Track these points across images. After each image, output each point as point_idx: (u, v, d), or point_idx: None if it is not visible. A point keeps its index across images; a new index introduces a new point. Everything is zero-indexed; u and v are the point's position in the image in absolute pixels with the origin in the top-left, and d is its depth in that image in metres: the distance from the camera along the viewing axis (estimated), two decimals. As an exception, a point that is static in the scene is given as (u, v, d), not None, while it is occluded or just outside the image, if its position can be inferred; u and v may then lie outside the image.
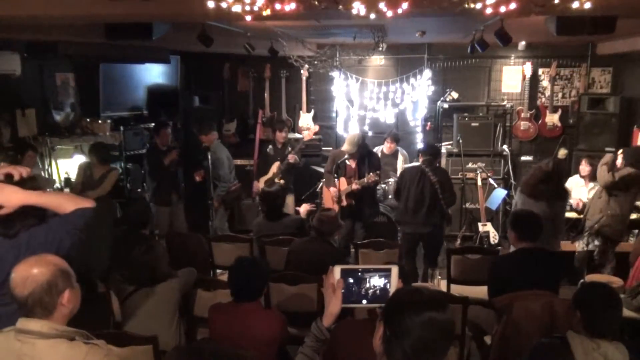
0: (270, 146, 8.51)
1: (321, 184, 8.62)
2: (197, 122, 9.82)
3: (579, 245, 6.92)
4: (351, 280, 2.55)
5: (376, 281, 2.55)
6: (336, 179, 7.50)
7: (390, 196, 8.80)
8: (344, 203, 7.42)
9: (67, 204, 3.28)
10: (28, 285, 2.67)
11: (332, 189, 7.63)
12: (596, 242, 6.81)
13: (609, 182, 6.64)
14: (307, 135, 8.46)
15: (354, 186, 7.35)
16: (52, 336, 2.69)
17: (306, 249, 5.58)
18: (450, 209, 7.28)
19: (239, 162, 9.42)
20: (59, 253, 2.99)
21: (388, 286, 2.55)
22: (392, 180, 8.83)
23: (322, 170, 8.62)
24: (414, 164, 7.65)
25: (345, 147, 7.42)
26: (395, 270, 2.57)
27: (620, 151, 7.07)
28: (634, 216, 7.54)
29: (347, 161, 7.48)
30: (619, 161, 6.90)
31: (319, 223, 5.65)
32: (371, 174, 7.30)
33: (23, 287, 2.68)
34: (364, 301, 2.58)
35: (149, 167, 8.20)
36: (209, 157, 7.87)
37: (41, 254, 2.84)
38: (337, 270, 2.54)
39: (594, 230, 6.77)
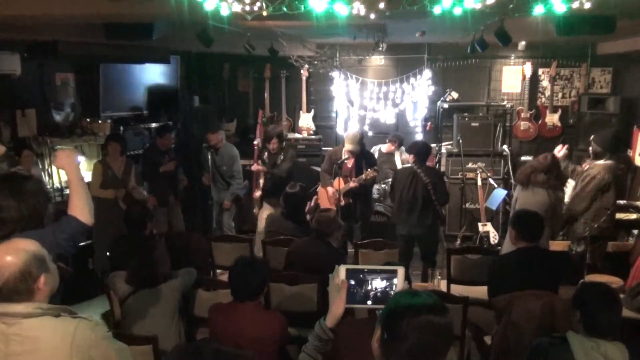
0: (266, 153, 8.39)
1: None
2: (202, 122, 9.84)
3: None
4: (356, 281, 2.53)
5: (382, 282, 2.54)
6: (334, 179, 7.48)
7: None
8: (342, 202, 7.41)
9: (77, 203, 3.39)
10: (1, 275, 2.65)
11: (329, 189, 7.62)
12: (582, 246, 6.75)
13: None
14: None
15: (352, 184, 7.35)
16: (38, 315, 2.70)
17: (305, 250, 5.57)
18: (449, 208, 7.27)
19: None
20: None
21: (394, 287, 2.54)
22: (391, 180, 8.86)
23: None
24: (407, 164, 7.63)
25: (349, 146, 7.37)
26: (401, 271, 2.55)
27: (592, 137, 6.96)
28: (633, 216, 7.54)
29: (345, 161, 7.46)
30: (590, 148, 6.83)
31: (318, 224, 5.65)
32: (369, 170, 7.29)
33: None
34: (369, 302, 2.56)
35: (142, 166, 8.18)
36: (209, 156, 7.90)
37: (13, 240, 2.84)
38: (342, 270, 2.53)
39: (582, 235, 6.71)
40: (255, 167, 8.26)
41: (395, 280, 2.53)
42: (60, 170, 3.95)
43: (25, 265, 2.69)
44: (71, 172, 3.48)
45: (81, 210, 3.37)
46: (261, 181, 8.22)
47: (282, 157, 8.07)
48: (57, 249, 3.28)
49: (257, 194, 8.32)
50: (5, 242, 2.80)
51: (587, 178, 6.57)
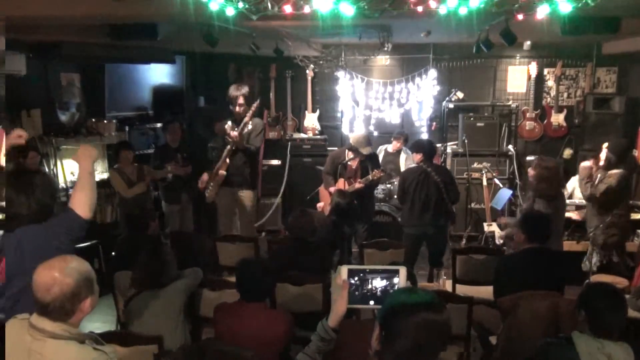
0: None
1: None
2: (203, 123, 9.84)
3: (586, 265, 6.81)
4: (359, 281, 2.54)
5: (383, 282, 2.54)
6: (338, 180, 7.45)
7: (395, 196, 8.79)
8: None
9: (79, 196, 3.45)
10: (52, 292, 2.67)
11: (332, 189, 7.55)
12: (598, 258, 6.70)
13: (591, 196, 6.58)
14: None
15: (358, 185, 7.30)
16: (63, 337, 2.71)
17: (289, 257, 5.48)
18: (455, 208, 7.21)
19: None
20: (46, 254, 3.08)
21: (395, 287, 2.54)
22: (396, 181, 8.83)
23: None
24: (413, 165, 7.57)
25: (365, 150, 7.30)
26: (403, 271, 2.56)
27: (605, 145, 6.92)
28: (638, 216, 7.52)
29: (349, 162, 7.42)
30: (603, 155, 6.75)
31: (294, 230, 5.61)
32: (375, 170, 7.25)
33: (46, 293, 2.68)
34: (372, 302, 2.56)
35: (153, 162, 8.21)
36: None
37: (66, 257, 2.86)
38: (344, 271, 2.53)
39: (599, 244, 6.66)
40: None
41: (395, 280, 2.54)
42: (71, 168, 4.00)
43: (77, 286, 2.73)
44: (85, 166, 3.52)
45: (81, 204, 3.41)
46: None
47: (250, 125, 7.14)
48: (56, 243, 3.34)
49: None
50: (59, 257, 2.82)
51: (603, 187, 6.49)
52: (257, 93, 10.73)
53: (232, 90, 7.18)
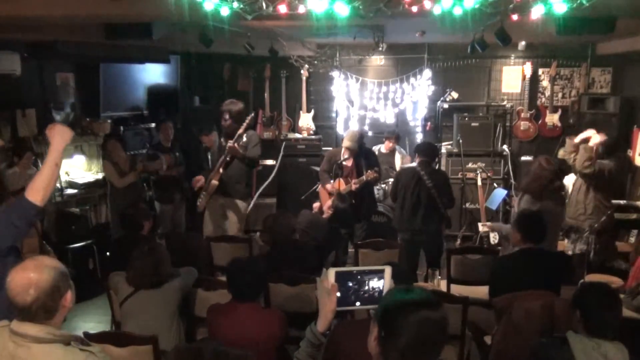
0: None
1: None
2: (198, 123, 9.85)
3: (567, 249, 6.83)
4: (346, 283, 2.53)
5: (372, 283, 2.54)
6: (335, 179, 7.44)
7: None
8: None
9: (35, 183, 3.48)
10: (32, 292, 2.63)
11: (327, 186, 7.58)
12: (582, 244, 6.70)
13: (589, 168, 6.58)
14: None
15: (353, 186, 7.30)
16: (48, 341, 2.66)
17: (273, 263, 5.38)
18: (450, 210, 7.16)
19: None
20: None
21: (382, 287, 2.54)
22: (392, 180, 8.82)
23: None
24: (411, 164, 7.53)
25: (346, 143, 7.30)
26: (388, 270, 2.55)
27: (593, 131, 6.89)
28: (633, 216, 7.53)
29: (344, 162, 7.41)
30: (595, 140, 6.76)
31: (276, 233, 5.59)
32: (369, 171, 7.23)
33: (26, 295, 2.64)
34: (358, 303, 2.56)
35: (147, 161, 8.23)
36: (209, 157, 7.84)
37: (36, 257, 2.85)
38: (331, 274, 2.52)
39: (583, 230, 6.67)
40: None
41: (384, 280, 2.54)
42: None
43: (55, 281, 2.70)
44: (55, 149, 3.58)
45: (35, 191, 3.42)
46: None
47: (244, 138, 7.07)
48: (12, 228, 3.40)
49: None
50: (29, 259, 2.80)
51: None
52: (251, 93, 10.75)
53: (224, 104, 7.17)
